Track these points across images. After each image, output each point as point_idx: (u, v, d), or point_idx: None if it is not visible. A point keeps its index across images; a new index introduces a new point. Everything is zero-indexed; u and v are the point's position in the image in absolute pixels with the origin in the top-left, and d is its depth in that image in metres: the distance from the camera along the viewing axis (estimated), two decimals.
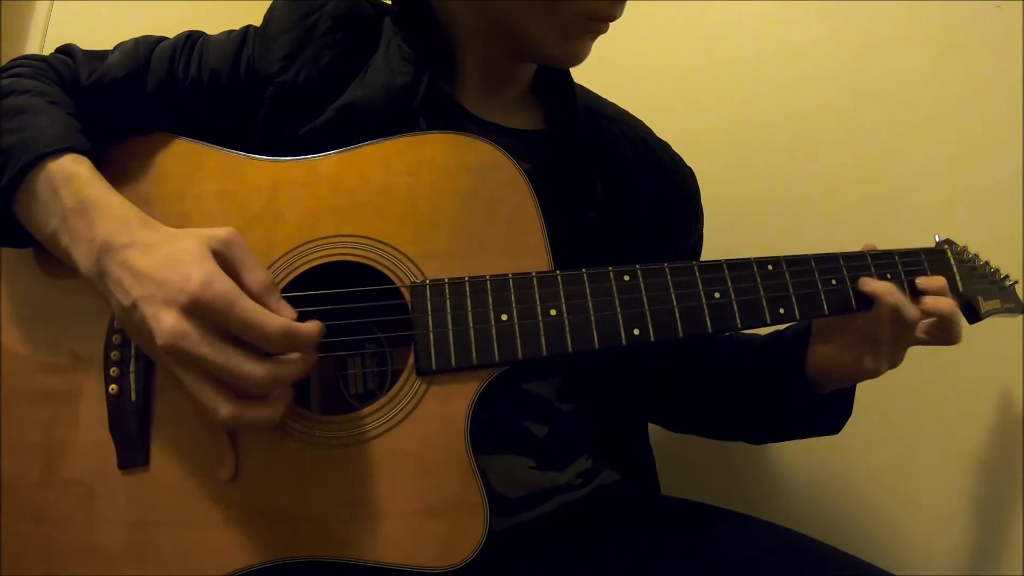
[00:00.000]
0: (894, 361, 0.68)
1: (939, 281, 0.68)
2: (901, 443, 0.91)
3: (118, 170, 0.63)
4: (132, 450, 0.58)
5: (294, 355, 0.54)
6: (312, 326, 0.54)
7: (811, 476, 0.98)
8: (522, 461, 0.70)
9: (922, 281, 0.68)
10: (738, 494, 1.03)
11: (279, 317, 0.52)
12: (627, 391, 0.76)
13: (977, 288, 0.71)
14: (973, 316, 0.71)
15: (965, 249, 0.73)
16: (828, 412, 0.75)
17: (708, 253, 0.86)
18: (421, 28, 0.71)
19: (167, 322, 0.50)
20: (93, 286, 0.55)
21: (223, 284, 0.51)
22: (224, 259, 0.54)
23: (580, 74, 0.79)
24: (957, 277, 0.70)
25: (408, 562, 0.56)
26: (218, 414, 0.51)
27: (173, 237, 0.54)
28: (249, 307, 0.51)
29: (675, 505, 0.75)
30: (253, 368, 0.51)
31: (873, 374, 0.68)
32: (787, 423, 0.79)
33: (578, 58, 0.71)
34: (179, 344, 0.50)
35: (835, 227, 0.97)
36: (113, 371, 0.59)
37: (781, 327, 0.77)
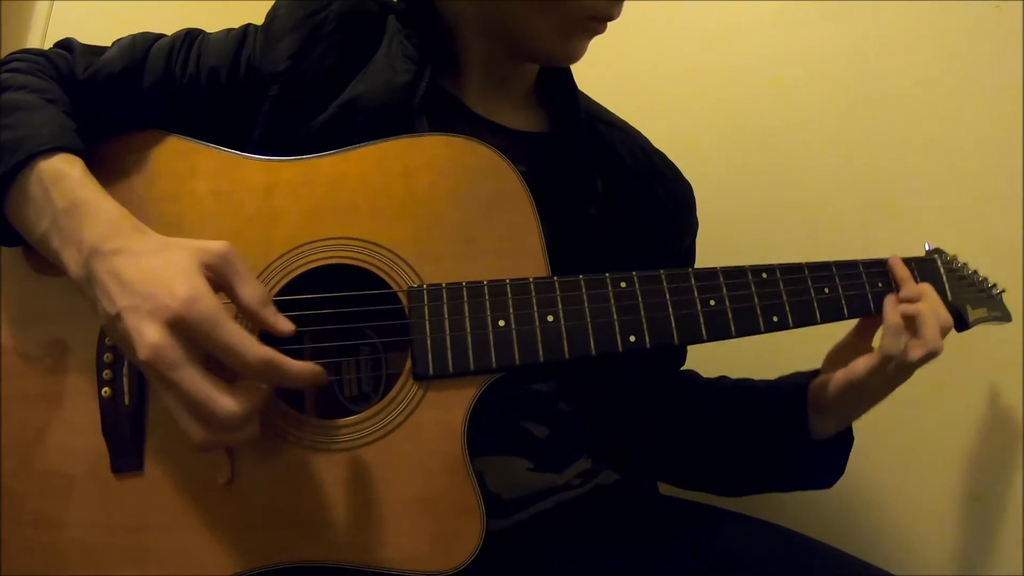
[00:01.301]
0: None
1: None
2: (901, 443, 0.91)
3: (111, 167, 0.62)
4: (126, 454, 0.58)
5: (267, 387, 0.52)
6: (306, 367, 0.52)
7: None
8: (520, 463, 0.70)
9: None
10: None
11: (262, 347, 0.50)
12: (628, 391, 0.76)
13: (966, 297, 0.72)
14: (962, 325, 0.72)
15: (955, 258, 0.74)
16: (822, 464, 0.75)
17: (706, 253, 0.86)
18: (425, 27, 0.71)
19: (149, 336, 0.49)
20: (82, 289, 0.55)
21: (208, 302, 0.50)
22: (218, 272, 0.52)
23: (581, 75, 0.79)
24: (947, 286, 0.71)
25: (404, 567, 0.56)
26: (191, 436, 0.51)
27: (164, 246, 0.53)
28: (232, 332, 0.50)
29: (674, 505, 0.75)
30: (222, 406, 0.49)
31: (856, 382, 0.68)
32: (781, 473, 0.78)
33: (574, 56, 0.71)
34: (156, 363, 0.49)
35: (834, 227, 0.97)
36: (106, 374, 0.59)
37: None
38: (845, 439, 0.74)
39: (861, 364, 0.67)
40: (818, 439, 0.73)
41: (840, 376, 0.69)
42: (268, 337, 0.53)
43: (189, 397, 0.49)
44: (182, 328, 0.49)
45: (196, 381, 0.49)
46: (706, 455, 0.80)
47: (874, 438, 0.92)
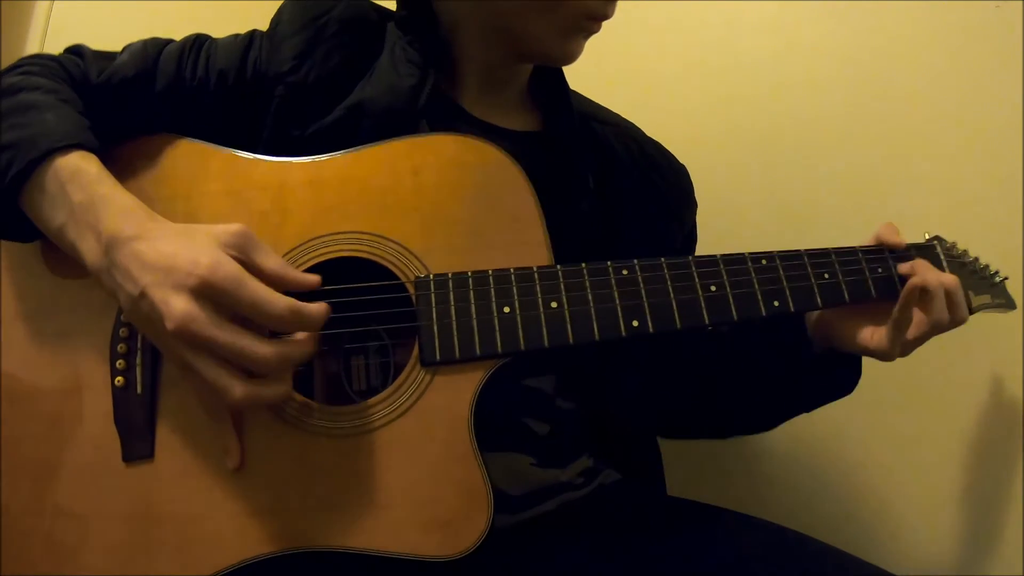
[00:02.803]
0: (904, 349, 0.68)
1: (922, 263, 0.68)
2: (902, 443, 0.91)
3: (124, 170, 0.64)
4: (137, 442, 0.59)
5: (300, 335, 0.56)
6: (318, 306, 0.56)
7: (811, 476, 0.98)
8: (523, 459, 0.70)
9: (905, 267, 0.68)
10: (738, 493, 1.02)
11: (285, 297, 0.54)
12: (627, 390, 0.77)
13: (967, 283, 0.72)
14: None
15: (954, 245, 0.74)
16: (834, 373, 0.74)
17: (705, 252, 0.86)
18: (425, 32, 0.73)
19: (177, 306, 0.51)
20: (100, 280, 0.56)
21: (231, 266, 0.53)
22: (239, 251, 0.55)
23: (581, 75, 0.81)
24: (948, 272, 0.71)
25: (411, 551, 0.57)
26: (232, 394, 0.52)
27: (182, 230, 0.56)
28: (258, 287, 0.53)
29: (676, 505, 0.75)
30: (262, 348, 0.52)
31: (879, 354, 0.68)
32: (792, 392, 0.77)
33: (572, 56, 0.73)
34: (189, 327, 0.51)
35: (834, 226, 0.97)
36: (119, 363, 0.60)
37: None
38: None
39: (877, 338, 0.67)
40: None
41: (850, 342, 0.69)
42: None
43: (226, 349, 0.51)
44: (208, 293, 0.52)
45: (234, 333, 0.52)
46: (727, 392, 0.80)
47: (875, 438, 0.92)
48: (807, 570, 0.62)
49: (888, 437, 0.92)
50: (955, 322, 0.68)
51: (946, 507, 0.88)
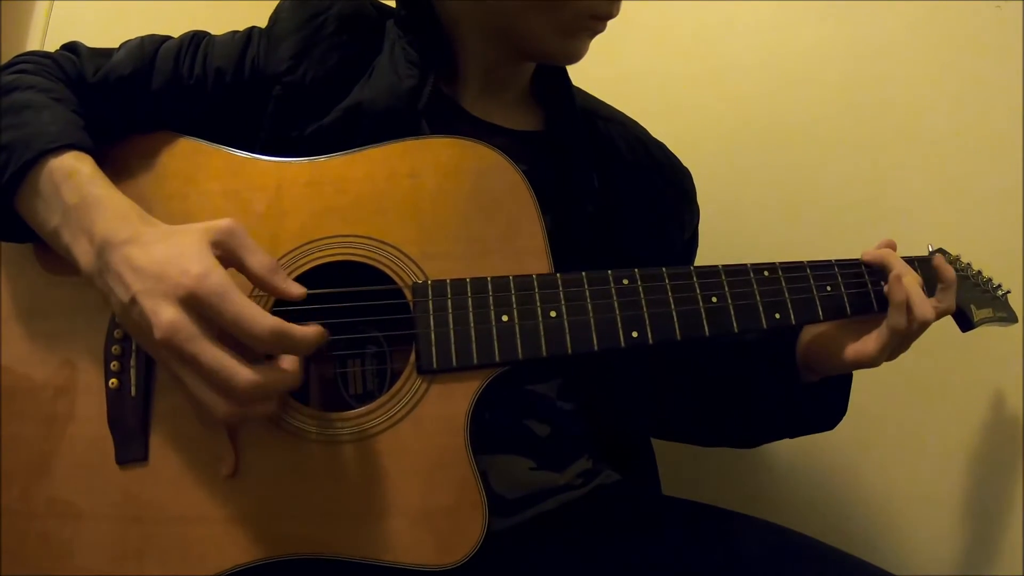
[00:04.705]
0: (893, 353, 0.68)
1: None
2: (901, 444, 0.91)
3: (122, 168, 0.64)
4: (131, 445, 0.58)
5: (285, 364, 0.54)
6: (310, 330, 0.53)
7: (811, 476, 0.98)
8: (522, 462, 0.70)
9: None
10: (738, 494, 1.03)
11: (270, 317, 0.51)
12: (628, 389, 0.77)
13: (970, 296, 0.72)
14: (966, 324, 0.72)
15: (958, 258, 0.74)
16: (820, 405, 0.74)
17: (707, 254, 0.87)
18: (425, 32, 0.72)
19: (165, 315, 0.50)
20: (93, 283, 0.56)
21: (218, 278, 0.51)
22: (225, 248, 0.54)
23: (581, 75, 0.80)
24: None
25: (405, 560, 0.56)
26: (217, 410, 0.52)
27: (173, 232, 0.55)
28: (241, 304, 0.51)
29: (675, 505, 0.75)
30: (241, 376, 0.50)
31: (866, 362, 0.68)
32: (779, 416, 0.77)
33: (577, 55, 0.72)
34: (175, 339, 0.50)
35: (834, 227, 0.97)
36: (113, 365, 0.60)
37: None
38: (843, 379, 0.73)
39: (871, 345, 0.67)
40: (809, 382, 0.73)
41: (846, 356, 0.68)
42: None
43: (208, 369, 0.50)
44: (195, 304, 0.51)
45: (214, 352, 0.50)
46: (701, 402, 0.80)
47: (875, 438, 0.92)
48: (807, 570, 0.62)
49: (889, 438, 0.92)
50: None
51: (946, 508, 0.88)
